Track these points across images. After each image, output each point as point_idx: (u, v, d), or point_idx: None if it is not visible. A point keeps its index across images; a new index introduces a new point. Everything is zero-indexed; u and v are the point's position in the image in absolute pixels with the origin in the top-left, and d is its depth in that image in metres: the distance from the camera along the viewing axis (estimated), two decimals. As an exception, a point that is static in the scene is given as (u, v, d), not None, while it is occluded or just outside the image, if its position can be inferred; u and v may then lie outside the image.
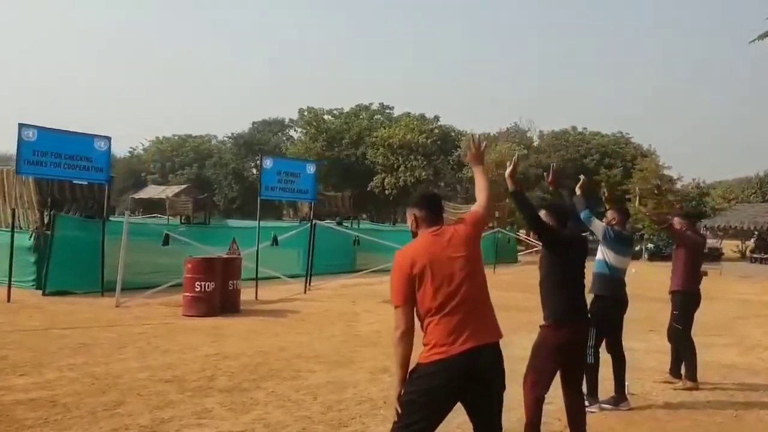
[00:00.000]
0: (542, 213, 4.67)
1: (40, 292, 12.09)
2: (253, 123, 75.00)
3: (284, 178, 13.29)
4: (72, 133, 12.02)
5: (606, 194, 6.37)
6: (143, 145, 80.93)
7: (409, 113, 47.20)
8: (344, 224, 21.32)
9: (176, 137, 76.78)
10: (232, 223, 36.19)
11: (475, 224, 3.34)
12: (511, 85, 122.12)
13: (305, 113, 50.13)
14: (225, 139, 75.14)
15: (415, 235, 3.32)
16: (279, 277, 14.88)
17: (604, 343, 5.86)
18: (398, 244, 19.86)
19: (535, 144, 47.34)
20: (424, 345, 3.09)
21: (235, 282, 11.02)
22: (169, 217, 38.86)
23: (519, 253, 28.70)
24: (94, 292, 12.22)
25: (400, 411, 3.05)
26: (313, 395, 5.93)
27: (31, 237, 13.02)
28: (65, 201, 14.08)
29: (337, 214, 22.11)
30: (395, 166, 39.90)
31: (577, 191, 5.86)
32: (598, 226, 5.73)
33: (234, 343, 8.32)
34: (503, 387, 3.17)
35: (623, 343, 6.07)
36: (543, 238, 4.51)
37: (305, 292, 13.94)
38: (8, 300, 10.91)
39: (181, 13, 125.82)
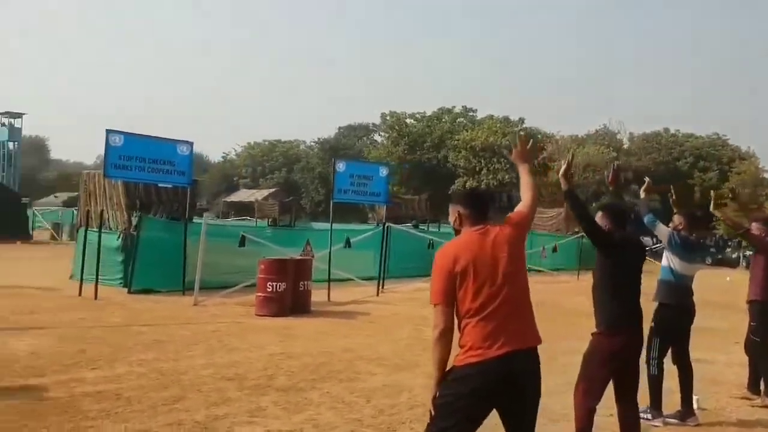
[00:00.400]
0: (599, 215, 4.48)
1: (127, 290, 12.70)
2: (339, 128, 76.27)
3: (357, 181, 13.43)
4: (156, 138, 12.58)
5: (673, 197, 6.02)
6: (236, 150, 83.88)
7: (493, 116, 46.70)
8: (421, 227, 21.33)
9: (266, 142, 79.07)
10: (317, 225, 36.89)
11: (520, 224, 3.25)
12: (600, 87, 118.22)
13: (387, 117, 50.52)
14: (312, 144, 76.78)
15: (457, 232, 3.26)
16: (352, 279, 15.01)
17: (669, 353, 5.55)
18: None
19: (625, 146, 45.71)
20: (460, 347, 3.02)
21: (306, 283, 11.20)
22: (257, 220, 40.03)
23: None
24: (176, 290, 12.70)
25: (434, 414, 3.00)
26: (367, 398, 5.92)
27: (119, 237, 13.73)
28: (152, 203, 14.75)
29: (413, 217, 22.11)
30: (477, 169, 39.57)
31: (641, 194, 5.59)
32: (662, 230, 5.44)
33: (300, 343, 8.44)
34: (539, 394, 3.07)
35: (691, 354, 5.72)
36: (594, 240, 4.30)
37: (378, 295, 14.00)
38: (95, 297, 11.51)
39: (273, 25, 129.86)
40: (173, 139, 12.75)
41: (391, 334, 9.42)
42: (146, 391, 5.84)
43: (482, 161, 39.98)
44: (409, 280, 16.42)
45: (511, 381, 2.93)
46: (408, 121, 49.51)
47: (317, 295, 12.34)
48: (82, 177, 15.94)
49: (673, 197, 5.98)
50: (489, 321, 2.97)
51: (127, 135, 11.98)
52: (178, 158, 12.60)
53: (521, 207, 3.38)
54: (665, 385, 5.53)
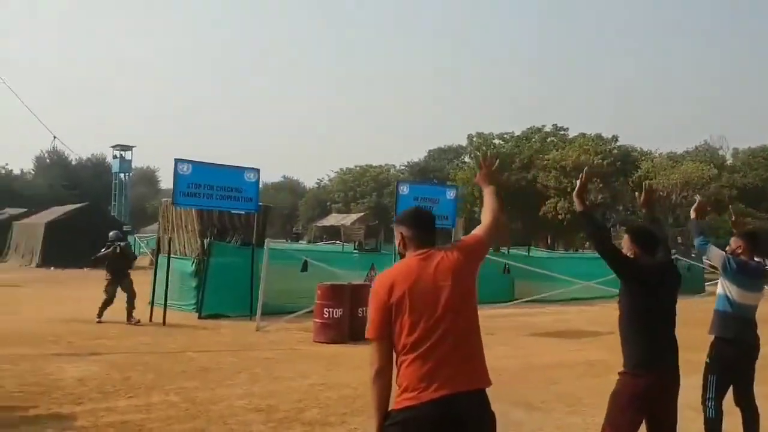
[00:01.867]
0: (624, 238, 3.99)
1: (197, 315, 12.89)
2: (429, 151, 76.34)
3: (422, 204, 13.06)
4: (223, 166, 12.82)
5: (733, 217, 5.34)
6: (329, 176, 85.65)
7: (585, 134, 45.08)
8: (501, 251, 20.66)
9: (358, 168, 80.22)
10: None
11: (472, 249, 2.90)
12: (703, 100, 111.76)
13: (474, 139, 49.99)
14: (402, 168, 77.11)
15: (403, 256, 2.93)
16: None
17: (732, 393, 4.86)
18: (557, 273, 18.97)
19: (729, 162, 42.88)
20: (398, 387, 2.68)
21: (364, 309, 10.92)
22: (344, 244, 40.37)
23: (707, 282, 25.86)
24: (245, 315, 12.78)
25: None
26: (395, 435, 5.54)
27: (192, 263, 14.03)
28: (227, 229, 15.04)
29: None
30: (568, 190, 38.21)
31: (692, 214, 4.98)
32: (715, 255, 4.79)
33: (345, 372, 8.17)
34: None
35: (759, 392, 4.99)
36: (614, 267, 3.80)
37: (447, 321, 13.52)
38: (164, 323, 11.72)
39: (361, 51, 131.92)
40: (240, 167, 12.94)
41: (445, 364, 8.96)
42: (171, 422, 5.74)
43: (573, 181, 38.47)
44: (485, 306, 15.87)
45: (452, 428, 2.55)
46: (495, 141, 48.81)
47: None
48: (161, 205, 16.49)
49: (732, 218, 5.31)
50: (426, 359, 2.61)
51: (195, 163, 12.27)
52: (245, 185, 12.76)
53: (477, 230, 3.04)
54: (728, 428, 4.85)
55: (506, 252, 21.32)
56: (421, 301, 2.67)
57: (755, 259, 4.88)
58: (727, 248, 4.95)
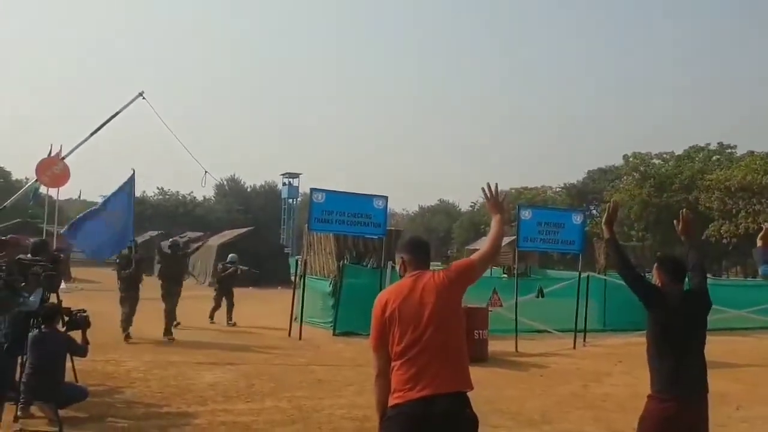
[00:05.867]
0: (654, 267, 4.18)
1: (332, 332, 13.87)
2: (588, 172, 73.83)
3: (545, 229, 13.14)
4: (354, 194, 13.79)
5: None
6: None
7: (753, 152, 41.49)
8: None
9: (512, 190, 79.49)
10: (553, 273, 36.11)
11: (459, 272, 3.36)
12: None
13: (630, 159, 47.82)
14: (558, 189, 75.28)
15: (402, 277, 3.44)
16: (549, 332, 14.59)
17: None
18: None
19: None
20: (392, 389, 3.19)
21: (480, 332, 11.21)
22: (493, 267, 40.26)
23: None
24: (376, 334, 13.54)
25: None
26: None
27: (330, 284, 15.10)
28: (362, 253, 15.98)
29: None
30: (734, 212, 35.37)
31: (758, 242, 4.92)
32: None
33: (448, 391, 8.55)
34: None
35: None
36: (638, 294, 4.02)
37: (574, 348, 13.37)
38: (300, 338, 12.77)
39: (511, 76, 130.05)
40: (370, 194, 13.82)
41: (551, 388, 9.06)
42: (273, 425, 6.53)
43: (740, 203, 35.65)
44: (627, 334, 15.31)
45: (435, 425, 3.01)
46: (654, 161, 46.38)
47: (506, 345, 12.30)
48: (305, 230, 17.81)
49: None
50: (411, 365, 3.10)
51: (329, 192, 13.33)
52: (374, 211, 13.59)
53: (473, 255, 3.47)
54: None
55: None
56: (408, 316, 3.18)
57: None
58: (795, 278, 4.82)
